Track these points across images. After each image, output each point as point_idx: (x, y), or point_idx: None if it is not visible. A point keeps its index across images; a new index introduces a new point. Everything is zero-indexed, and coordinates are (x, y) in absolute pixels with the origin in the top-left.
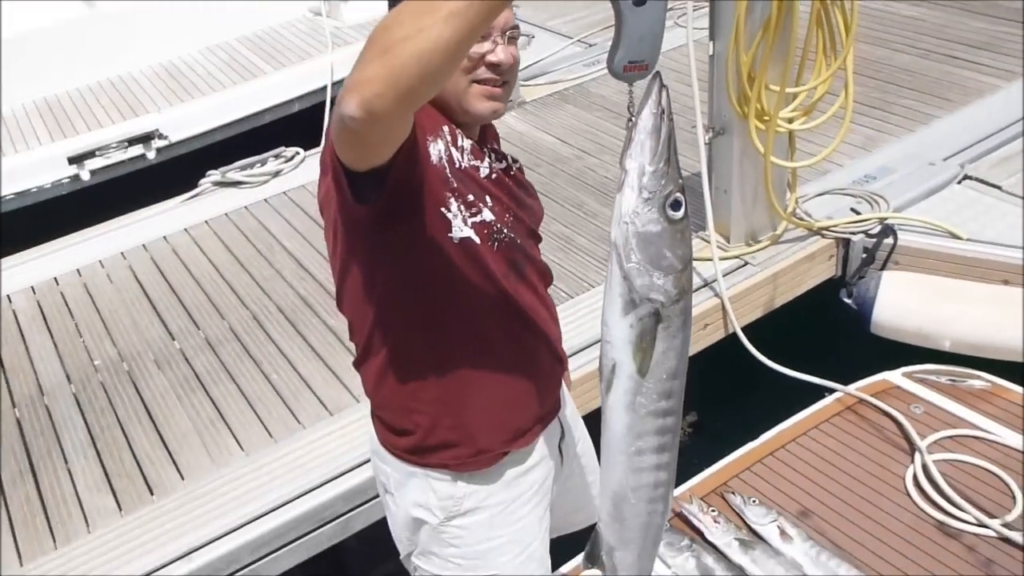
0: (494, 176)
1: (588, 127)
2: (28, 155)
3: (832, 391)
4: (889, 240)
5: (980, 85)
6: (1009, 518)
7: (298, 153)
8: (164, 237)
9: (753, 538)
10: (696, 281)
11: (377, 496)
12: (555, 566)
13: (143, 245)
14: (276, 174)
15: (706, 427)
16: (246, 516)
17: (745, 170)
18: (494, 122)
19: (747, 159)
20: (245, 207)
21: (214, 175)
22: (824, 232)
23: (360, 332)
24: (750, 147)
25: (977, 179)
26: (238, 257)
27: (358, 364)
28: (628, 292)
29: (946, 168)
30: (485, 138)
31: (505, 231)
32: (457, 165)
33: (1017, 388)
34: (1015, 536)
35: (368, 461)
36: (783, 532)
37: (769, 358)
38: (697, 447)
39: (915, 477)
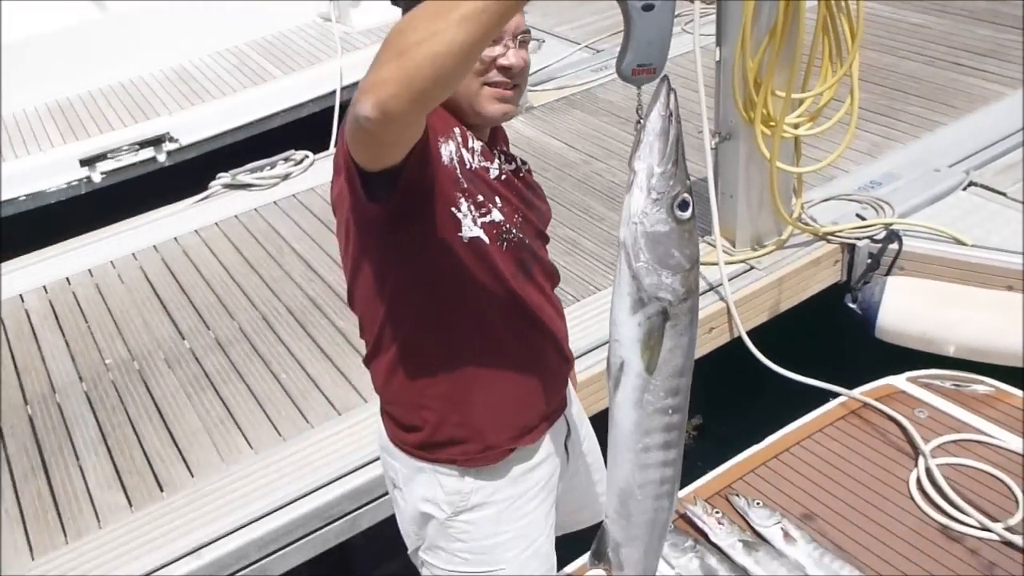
0: (503, 177)
1: (595, 132)
2: (40, 157)
3: (836, 395)
4: (894, 246)
5: (985, 92)
6: (1012, 522)
7: (307, 156)
8: (175, 238)
9: (757, 540)
10: (701, 285)
11: (384, 495)
12: (561, 564)
13: (154, 246)
14: (286, 177)
15: (711, 430)
16: (255, 513)
17: (751, 175)
18: (503, 125)
19: (753, 164)
20: (255, 209)
21: (224, 177)
22: (829, 237)
23: (370, 329)
24: (756, 152)
25: (982, 185)
26: (248, 258)
27: (368, 361)
28: (636, 291)
29: (951, 174)
30: (495, 140)
31: (514, 231)
32: (468, 166)
33: (1020, 393)
34: (1018, 540)
35: (375, 460)
36: (787, 534)
37: (774, 362)
38: (702, 450)
39: (919, 481)
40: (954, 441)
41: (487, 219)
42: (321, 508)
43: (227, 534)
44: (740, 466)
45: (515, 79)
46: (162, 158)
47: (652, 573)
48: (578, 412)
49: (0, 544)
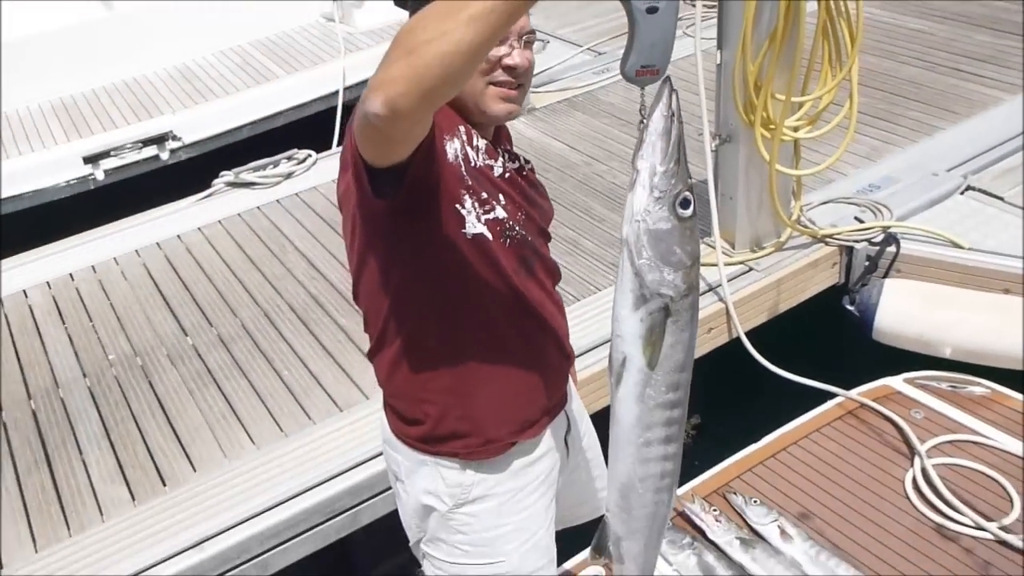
0: (507, 175)
1: (596, 134)
2: (44, 154)
3: (834, 396)
4: (892, 248)
5: (984, 98)
6: (1007, 521)
7: (310, 155)
8: (178, 236)
9: (754, 537)
10: (701, 286)
11: (384, 491)
12: (561, 559)
13: (157, 243)
14: (288, 176)
15: (709, 430)
16: (256, 508)
17: (750, 177)
18: (506, 124)
19: (753, 167)
20: (258, 207)
21: (227, 176)
22: (828, 240)
23: (375, 323)
24: (756, 155)
25: (980, 190)
26: (250, 256)
27: (372, 354)
28: (639, 287)
29: (949, 179)
30: (499, 139)
31: (517, 228)
32: (472, 164)
33: (1017, 395)
34: (1012, 539)
35: (376, 456)
36: (783, 532)
37: (772, 363)
38: (700, 450)
39: (915, 480)
40: (950, 442)
41: (491, 216)
42: (322, 503)
43: (229, 528)
44: (738, 465)
45: (520, 79)
46: (165, 156)
47: (652, 566)
48: (578, 408)
49: (2, 537)
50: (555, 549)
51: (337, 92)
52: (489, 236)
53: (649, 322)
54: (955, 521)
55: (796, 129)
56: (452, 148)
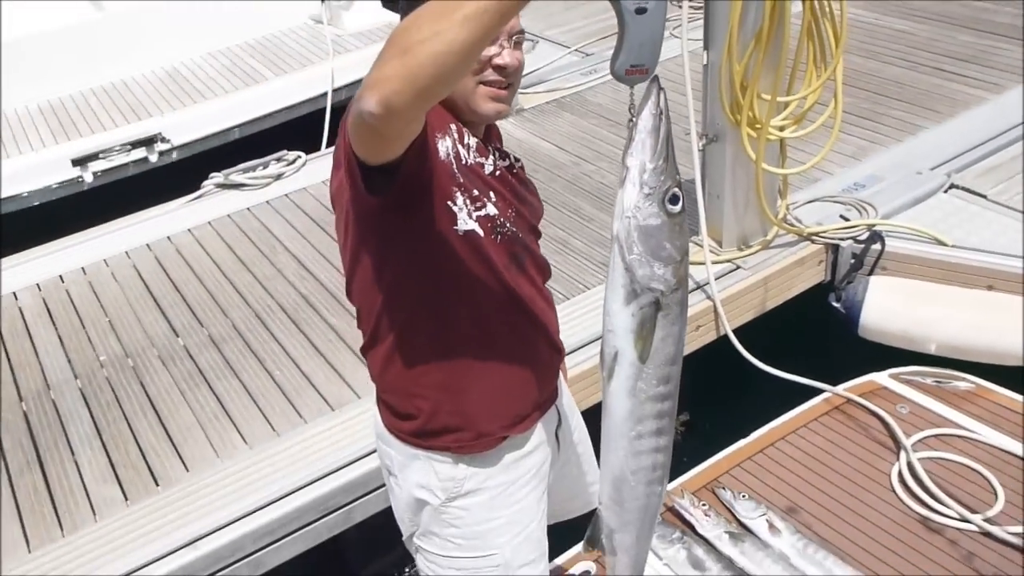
0: (498, 173)
1: (585, 134)
2: (32, 157)
3: (821, 392)
4: (877, 246)
5: (967, 97)
6: (990, 513)
7: (300, 156)
8: (168, 237)
9: (742, 531)
10: (688, 284)
11: (377, 488)
12: (553, 553)
13: (147, 244)
14: (278, 177)
15: (697, 427)
16: (249, 506)
17: (737, 176)
18: (496, 123)
19: (739, 166)
20: (247, 208)
21: (217, 177)
22: (814, 238)
23: (367, 319)
24: (742, 154)
25: (963, 188)
26: (241, 257)
27: (365, 350)
28: (630, 283)
29: (933, 177)
30: (489, 137)
31: (507, 225)
32: (463, 161)
33: (999, 389)
34: (996, 531)
35: (369, 455)
36: (771, 525)
37: (759, 360)
38: (689, 446)
39: (900, 474)
40: (935, 436)
41: (482, 213)
42: (315, 501)
43: (222, 527)
44: (726, 460)
45: (509, 78)
46: (154, 158)
47: (644, 557)
48: (569, 403)
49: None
50: (547, 543)
51: (326, 94)
52: (480, 232)
53: (640, 316)
54: (940, 513)
55: (782, 128)
56: (444, 146)
